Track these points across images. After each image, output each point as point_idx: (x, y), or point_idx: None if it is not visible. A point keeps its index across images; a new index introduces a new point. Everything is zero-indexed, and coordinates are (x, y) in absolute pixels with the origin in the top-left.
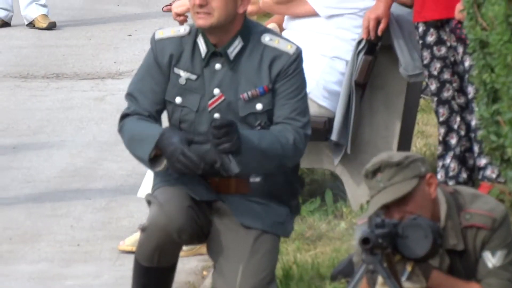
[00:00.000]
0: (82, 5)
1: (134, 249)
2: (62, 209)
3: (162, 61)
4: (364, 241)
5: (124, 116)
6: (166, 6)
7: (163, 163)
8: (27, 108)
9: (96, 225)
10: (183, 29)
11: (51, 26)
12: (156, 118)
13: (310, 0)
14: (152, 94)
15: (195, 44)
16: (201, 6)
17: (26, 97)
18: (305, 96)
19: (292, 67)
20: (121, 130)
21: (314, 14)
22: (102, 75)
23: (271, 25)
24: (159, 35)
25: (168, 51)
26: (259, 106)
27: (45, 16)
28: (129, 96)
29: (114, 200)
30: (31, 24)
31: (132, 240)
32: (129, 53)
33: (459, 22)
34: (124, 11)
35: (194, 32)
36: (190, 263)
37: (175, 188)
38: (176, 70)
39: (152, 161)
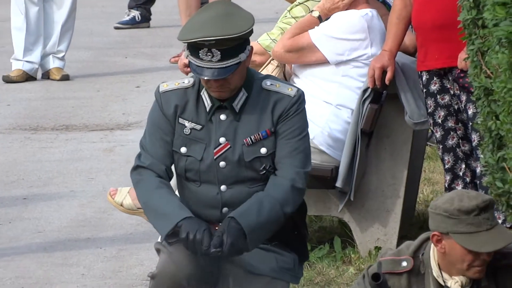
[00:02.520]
0: (90, 58)
1: (120, 205)
2: (73, 258)
3: (168, 112)
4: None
5: (138, 167)
6: (174, 57)
7: (176, 239)
8: (37, 160)
9: (106, 274)
10: (187, 81)
11: (65, 78)
12: (169, 170)
13: (321, 48)
14: (164, 145)
15: (198, 96)
16: (218, 86)
17: (36, 149)
18: (306, 136)
19: (293, 108)
20: (137, 186)
21: (325, 62)
22: (111, 127)
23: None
24: (164, 87)
25: (173, 102)
26: (263, 150)
27: (60, 68)
28: (142, 148)
29: (124, 249)
30: (46, 75)
31: (122, 195)
32: (137, 105)
33: (462, 71)
34: (132, 63)
35: (198, 84)
36: None
37: None
38: (181, 120)
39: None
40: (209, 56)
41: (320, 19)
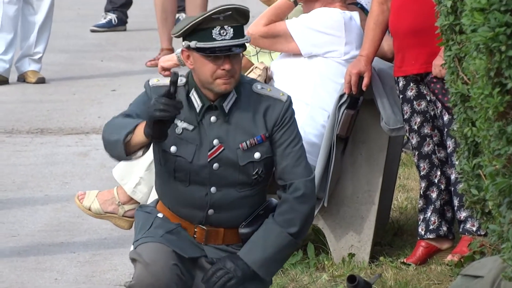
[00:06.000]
0: (66, 61)
1: (88, 209)
2: (47, 262)
3: None
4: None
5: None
6: (150, 61)
7: (140, 152)
8: (12, 164)
9: (80, 279)
10: (180, 80)
11: (41, 81)
12: None
13: (295, 38)
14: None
15: (188, 97)
16: (229, 71)
17: (11, 152)
18: (302, 140)
19: (288, 114)
20: (105, 126)
21: (297, 52)
22: (86, 130)
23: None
24: (154, 82)
25: None
26: (257, 155)
27: (36, 71)
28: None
29: (98, 254)
30: (21, 78)
31: (90, 199)
32: (113, 108)
33: (435, 77)
34: (108, 67)
35: (187, 85)
36: None
37: (159, 245)
38: None
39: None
40: (223, 34)
41: (296, 3)
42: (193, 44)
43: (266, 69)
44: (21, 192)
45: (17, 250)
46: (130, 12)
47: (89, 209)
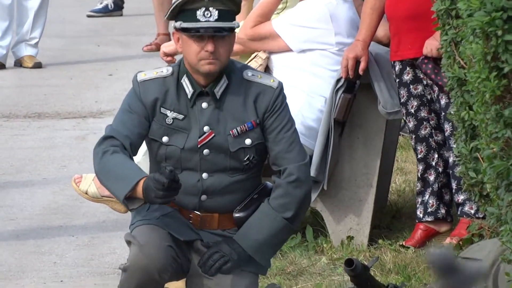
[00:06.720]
0: (62, 46)
1: (85, 193)
2: (45, 246)
3: (146, 101)
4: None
5: (105, 138)
6: (147, 46)
7: (139, 203)
8: (9, 147)
9: (79, 262)
10: (166, 70)
11: (37, 66)
12: (134, 148)
13: (283, 36)
14: (135, 125)
15: (178, 85)
16: (212, 52)
17: (8, 137)
18: (294, 125)
19: (279, 101)
20: (100, 159)
21: (288, 50)
22: (83, 114)
23: (263, 54)
24: (142, 76)
25: (153, 92)
26: (248, 141)
27: (33, 56)
28: (109, 126)
29: (96, 237)
30: (18, 63)
31: (86, 182)
32: (109, 92)
33: (426, 57)
34: (104, 51)
35: (177, 72)
36: None
37: (154, 227)
38: (163, 110)
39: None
40: (207, 16)
41: None
42: (178, 24)
43: (267, 58)
44: (19, 175)
45: (16, 233)
46: None
47: (86, 193)
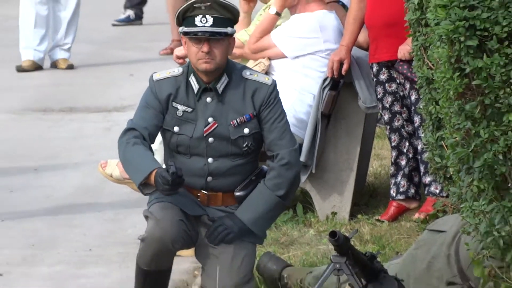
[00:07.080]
0: (91, 50)
1: (110, 176)
2: (76, 220)
3: (161, 97)
4: (332, 234)
5: (127, 130)
6: (163, 50)
7: (152, 189)
8: (46, 137)
9: (105, 234)
10: (177, 71)
11: (70, 68)
12: (152, 137)
13: (280, 46)
14: (153, 117)
15: (187, 82)
16: (207, 53)
17: (45, 128)
18: (286, 117)
19: (273, 95)
20: (123, 149)
21: (283, 56)
22: (109, 109)
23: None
24: (157, 76)
25: (166, 89)
26: (246, 130)
27: (66, 59)
28: (130, 120)
29: (120, 213)
30: (53, 65)
31: (111, 167)
32: (131, 90)
33: (401, 60)
34: (127, 55)
35: (186, 72)
36: (184, 264)
37: (168, 204)
38: (174, 104)
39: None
40: (203, 22)
41: (279, 14)
42: (181, 29)
43: (269, 64)
44: (54, 161)
45: (51, 210)
46: (146, 8)
47: (111, 176)
